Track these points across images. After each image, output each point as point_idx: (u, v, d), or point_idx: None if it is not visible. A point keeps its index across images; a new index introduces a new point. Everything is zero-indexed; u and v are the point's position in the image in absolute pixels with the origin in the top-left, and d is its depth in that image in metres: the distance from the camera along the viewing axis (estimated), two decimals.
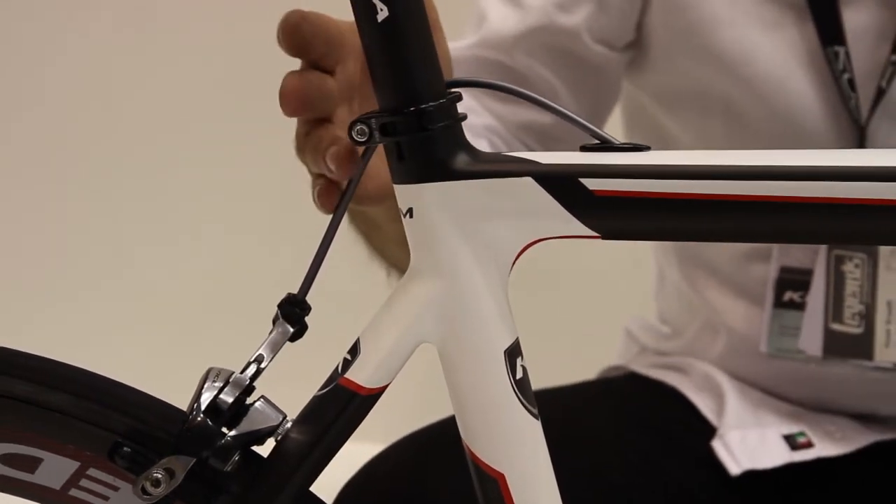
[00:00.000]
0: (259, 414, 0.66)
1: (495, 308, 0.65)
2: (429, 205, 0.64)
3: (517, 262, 0.66)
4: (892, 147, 1.04)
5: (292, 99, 0.69)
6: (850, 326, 1.07)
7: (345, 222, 0.99)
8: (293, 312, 0.67)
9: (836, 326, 1.07)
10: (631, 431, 1.12)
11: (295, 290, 0.68)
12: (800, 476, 1.08)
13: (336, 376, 0.66)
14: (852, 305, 1.07)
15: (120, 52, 2.09)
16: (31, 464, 0.66)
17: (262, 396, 0.67)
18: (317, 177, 0.73)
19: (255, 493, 0.66)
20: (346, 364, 0.66)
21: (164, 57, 2.08)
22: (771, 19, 1.05)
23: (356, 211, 0.98)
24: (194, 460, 0.65)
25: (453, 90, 0.65)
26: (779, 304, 1.10)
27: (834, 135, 1.05)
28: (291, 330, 0.67)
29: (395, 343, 0.65)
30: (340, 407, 0.65)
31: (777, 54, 1.05)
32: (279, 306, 0.67)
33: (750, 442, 1.09)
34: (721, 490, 1.08)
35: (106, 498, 0.66)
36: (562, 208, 0.62)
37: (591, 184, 0.62)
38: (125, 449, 0.65)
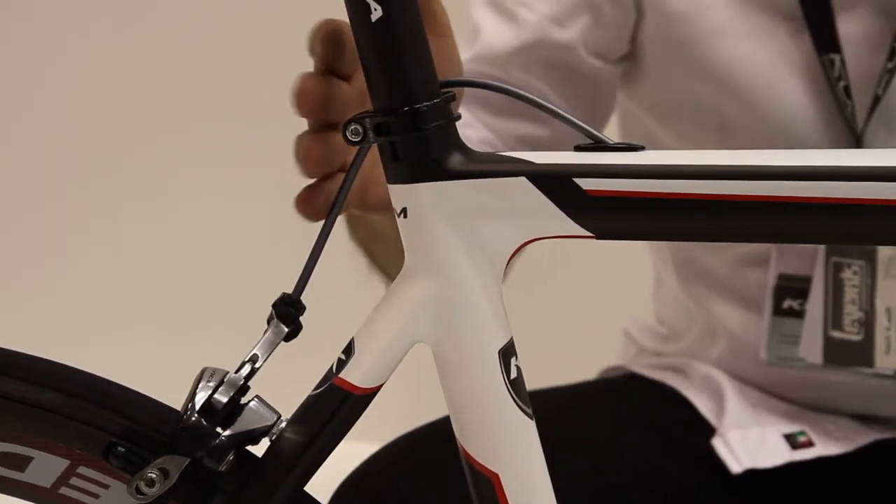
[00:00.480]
0: (253, 414, 0.66)
1: (489, 308, 0.65)
2: (423, 204, 0.64)
3: (515, 261, 0.67)
4: None
5: (308, 100, 0.68)
6: (850, 333, 1.07)
7: (343, 229, 0.99)
8: (288, 312, 0.67)
9: (835, 334, 1.07)
10: (630, 432, 1.12)
11: (290, 290, 0.68)
12: (800, 475, 1.08)
13: (330, 376, 0.66)
14: (852, 312, 1.07)
15: (120, 52, 2.09)
16: (22, 462, 0.66)
17: (257, 396, 0.67)
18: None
19: (249, 492, 0.66)
20: (341, 364, 0.66)
21: (164, 57, 2.08)
22: (765, 29, 1.05)
23: (358, 221, 0.98)
24: (189, 460, 0.65)
25: (447, 90, 0.65)
26: (778, 312, 1.09)
27: (829, 142, 1.05)
28: (286, 330, 0.67)
29: (389, 343, 0.65)
30: (335, 407, 0.65)
31: (772, 64, 1.05)
32: (274, 306, 0.67)
33: (750, 441, 1.09)
34: (721, 490, 1.08)
35: (96, 496, 0.66)
36: (556, 208, 0.62)
37: (585, 183, 0.62)
38: (119, 449, 0.65)
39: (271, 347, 0.67)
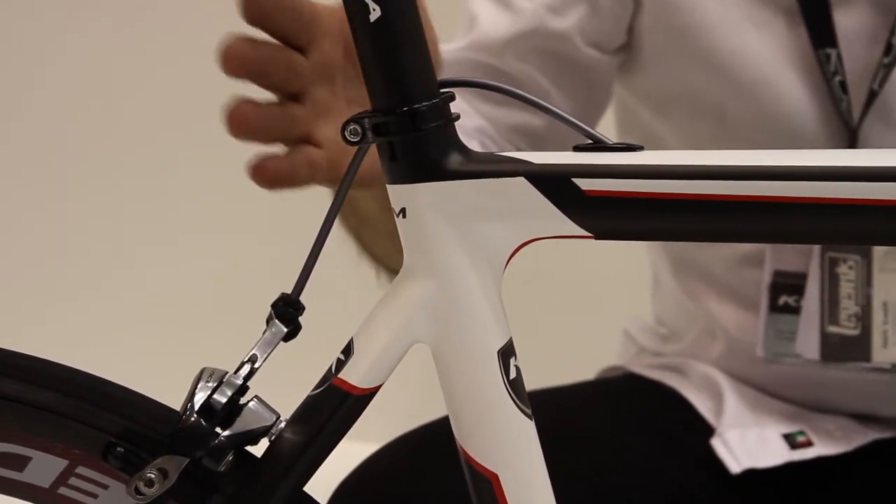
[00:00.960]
0: (252, 414, 0.66)
1: (489, 308, 0.65)
2: (422, 205, 0.64)
3: (515, 262, 0.66)
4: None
5: (233, 59, 0.68)
6: (847, 328, 1.07)
7: (343, 230, 0.99)
8: (287, 312, 0.67)
9: (832, 329, 1.07)
10: (629, 431, 1.12)
11: (289, 290, 0.68)
12: (799, 475, 1.08)
13: (329, 376, 0.66)
14: (848, 307, 1.07)
15: (120, 52, 2.09)
16: (20, 462, 0.66)
17: (256, 396, 0.67)
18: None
19: (248, 493, 0.66)
20: (340, 364, 0.66)
21: (164, 56, 2.08)
22: (762, 22, 1.05)
23: (348, 208, 0.98)
24: (188, 460, 0.65)
25: (446, 90, 0.65)
26: (774, 308, 1.09)
27: (825, 137, 1.05)
28: (285, 330, 0.67)
29: (388, 343, 0.65)
30: (334, 407, 0.65)
31: (768, 57, 1.05)
32: (273, 306, 0.67)
33: (749, 441, 1.09)
34: (720, 490, 1.08)
35: (95, 496, 0.66)
36: (554, 208, 0.62)
37: (584, 184, 0.62)
38: (118, 449, 0.65)
39: (270, 347, 0.67)
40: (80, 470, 0.65)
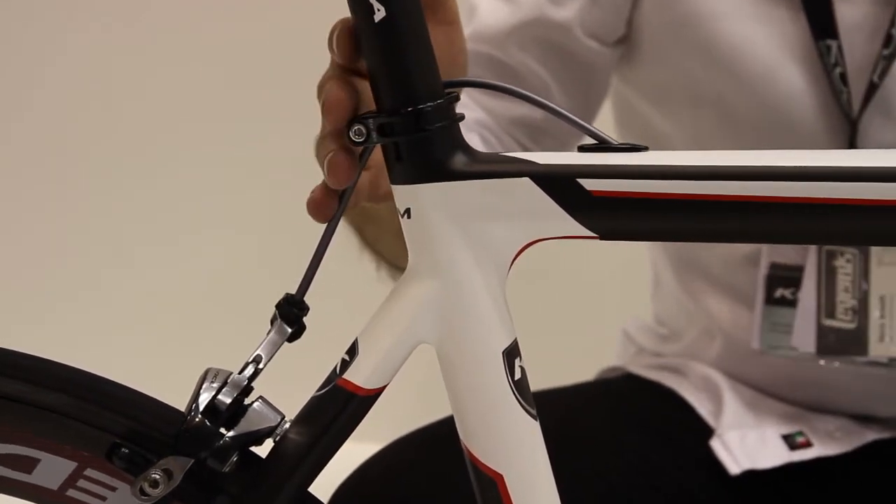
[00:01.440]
0: (257, 414, 0.66)
1: (493, 309, 0.65)
2: (426, 205, 0.64)
3: (515, 262, 0.66)
4: (883, 142, 1.04)
5: (339, 108, 0.66)
6: (843, 322, 1.07)
7: (346, 230, 0.99)
8: (291, 313, 0.67)
9: (828, 322, 1.07)
10: (629, 432, 1.12)
11: (293, 291, 0.68)
12: (798, 476, 1.08)
13: (334, 377, 0.66)
14: (845, 301, 1.06)
15: (120, 52, 2.09)
16: (29, 464, 0.66)
17: (261, 397, 0.67)
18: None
19: (253, 493, 0.66)
20: (345, 365, 0.66)
21: (164, 57, 2.08)
22: (763, 13, 1.05)
23: (351, 201, 0.98)
24: (192, 461, 0.65)
25: (451, 90, 0.65)
26: (770, 301, 1.09)
27: (825, 129, 1.05)
28: (289, 330, 0.67)
29: (393, 344, 0.65)
30: (339, 408, 0.65)
31: (769, 48, 1.05)
32: (277, 307, 0.67)
33: (749, 442, 1.09)
34: (720, 490, 1.08)
35: (103, 498, 0.66)
36: (560, 209, 0.62)
37: (589, 184, 0.62)
38: (123, 450, 0.65)
39: (275, 348, 0.67)
40: (90, 472, 0.65)
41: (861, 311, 1.05)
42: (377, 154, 0.67)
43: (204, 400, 0.65)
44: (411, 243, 0.65)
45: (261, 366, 0.66)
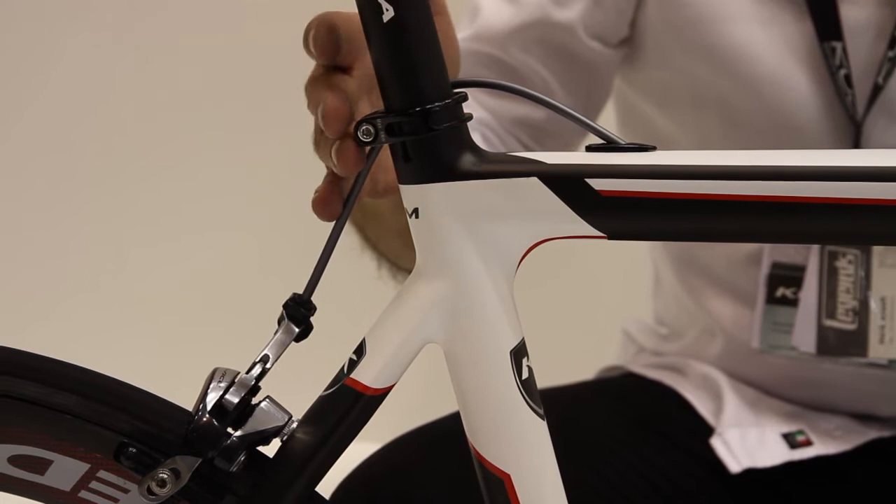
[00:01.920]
0: (265, 414, 0.66)
1: (501, 308, 0.65)
2: (434, 205, 0.64)
3: (522, 261, 0.67)
4: (888, 144, 1.05)
5: (334, 119, 0.66)
6: (844, 323, 1.07)
7: (352, 230, 0.99)
8: (299, 312, 0.67)
9: (829, 323, 1.07)
10: (629, 431, 1.12)
11: (300, 290, 0.68)
12: (799, 475, 1.08)
13: (342, 377, 0.66)
14: (846, 302, 1.07)
15: (120, 51, 2.09)
16: (42, 465, 0.66)
17: (268, 397, 0.66)
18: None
19: (260, 493, 0.66)
20: (352, 364, 0.66)
21: (164, 56, 2.08)
22: (768, 15, 1.05)
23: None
24: (200, 461, 0.65)
25: (459, 90, 0.65)
26: (771, 300, 1.09)
27: (829, 131, 1.05)
28: (297, 330, 0.67)
29: (400, 343, 0.65)
30: (346, 407, 0.65)
31: (773, 50, 1.05)
32: (285, 306, 0.67)
33: (749, 440, 1.09)
34: (719, 489, 1.08)
35: (116, 500, 0.66)
36: (568, 209, 0.62)
37: (597, 184, 0.62)
38: (131, 449, 0.65)
39: (282, 348, 0.67)
40: (102, 474, 0.65)
41: (862, 312, 1.06)
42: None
43: (211, 399, 0.65)
44: (419, 243, 0.65)
45: (268, 365, 0.66)
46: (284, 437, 0.66)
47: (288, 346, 0.67)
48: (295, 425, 0.66)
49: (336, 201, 0.69)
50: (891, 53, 1.02)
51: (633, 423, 1.13)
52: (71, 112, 2.10)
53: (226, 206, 2.08)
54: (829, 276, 1.07)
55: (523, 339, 0.66)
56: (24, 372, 0.65)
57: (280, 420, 0.66)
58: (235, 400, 0.65)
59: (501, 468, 0.66)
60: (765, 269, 1.09)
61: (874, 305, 1.05)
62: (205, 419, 0.64)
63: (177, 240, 2.09)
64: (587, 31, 1.09)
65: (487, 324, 0.65)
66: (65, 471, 0.65)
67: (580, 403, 1.16)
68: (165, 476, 0.64)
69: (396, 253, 1.00)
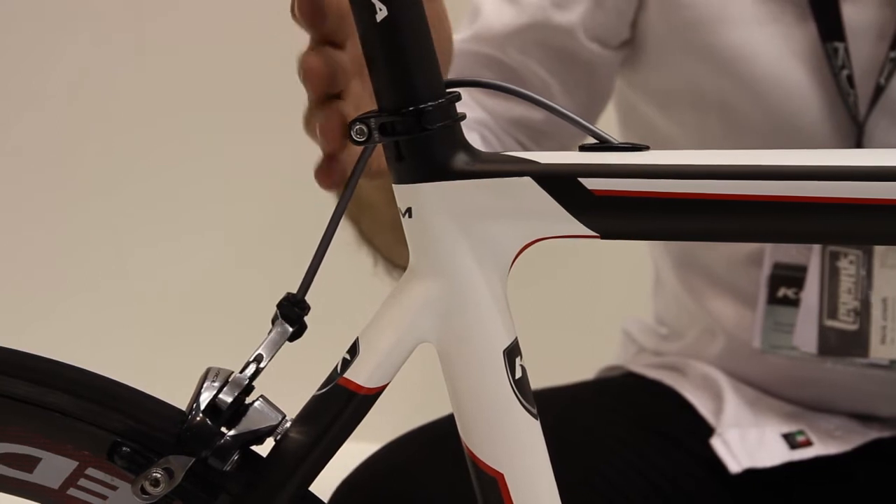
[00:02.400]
0: (258, 413, 0.66)
1: (494, 308, 0.65)
2: (428, 204, 0.64)
3: (516, 261, 0.67)
4: (890, 144, 1.04)
5: (314, 76, 0.68)
6: (845, 323, 1.07)
7: (346, 230, 0.99)
8: (292, 312, 0.67)
9: (830, 323, 1.07)
10: (629, 431, 1.12)
11: (294, 290, 0.68)
12: (799, 475, 1.08)
13: (335, 376, 0.66)
14: (847, 302, 1.07)
15: (120, 51, 2.09)
16: (30, 463, 0.66)
17: (262, 396, 0.66)
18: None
19: (254, 492, 0.66)
20: (346, 364, 0.66)
21: (164, 58, 2.08)
22: (770, 16, 1.05)
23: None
24: (193, 460, 0.65)
25: (452, 90, 0.65)
26: (773, 300, 1.09)
27: (832, 132, 1.05)
28: (290, 329, 0.67)
29: (394, 343, 0.65)
30: (340, 407, 0.65)
31: (775, 51, 1.05)
32: (278, 306, 0.67)
33: (749, 440, 1.09)
34: (720, 489, 1.08)
35: (104, 497, 0.66)
36: (561, 208, 0.62)
37: (591, 183, 0.62)
38: (124, 449, 0.65)
39: (276, 347, 0.67)
40: (91, 471, 0.65)
41: (863, 312, 1.06)
42: None
43: (205, 399, 0.65)
44: (412, 242, 0.65)
45: (262, 365, 0.66)
46: (278, 437, 0.66)
47: (282, 345, 0.67)
48: (288, 425, 0.66)
49: (336, 170, 0.69)
50: (893, 54, 1.02)
51: (634, 422, 1.13)
52: (71, 112, 2.11)
53: (221, 207, 2.08)
54: (831, 277, 1.07)
55: (517, 339, 0.66)
56: (17, 371, 0.65)
57: (274, 419, 0.66)
58: (229, 399, 0.65)
59: (495, 467, 0.66)
60: (766, 270, 1.09)
61: (875, 306, 1.05)
62: (198, 418, 0.64)
63: (173, 240, 2.10)
64: (587, 33, 1.09)
65: (481, 323, 0.65)
66: (53, 468, 0.65)
67: (580, 403, 1.16)
68: (159, 475, 0.64)
69: (390, 248, 1.00)
